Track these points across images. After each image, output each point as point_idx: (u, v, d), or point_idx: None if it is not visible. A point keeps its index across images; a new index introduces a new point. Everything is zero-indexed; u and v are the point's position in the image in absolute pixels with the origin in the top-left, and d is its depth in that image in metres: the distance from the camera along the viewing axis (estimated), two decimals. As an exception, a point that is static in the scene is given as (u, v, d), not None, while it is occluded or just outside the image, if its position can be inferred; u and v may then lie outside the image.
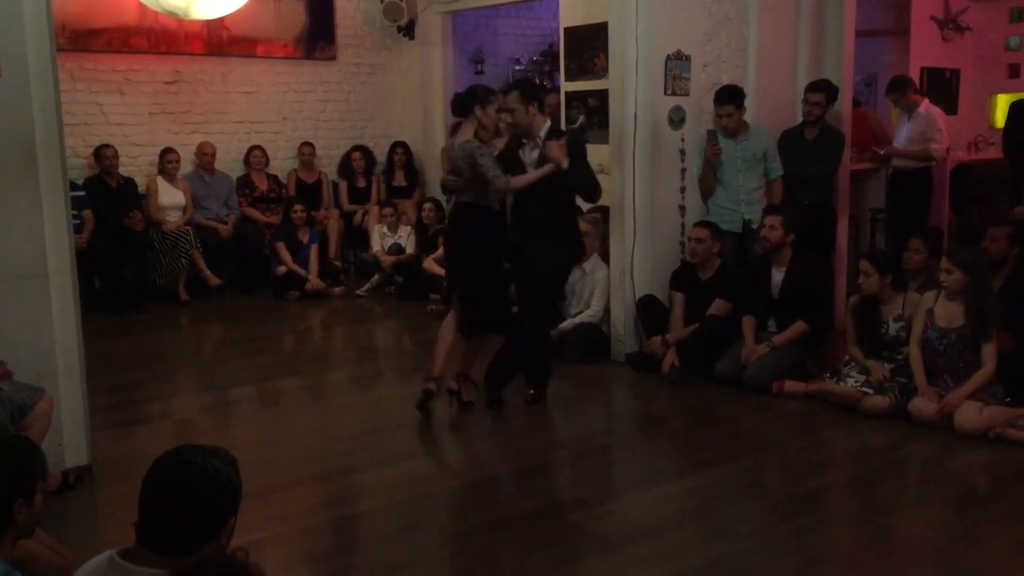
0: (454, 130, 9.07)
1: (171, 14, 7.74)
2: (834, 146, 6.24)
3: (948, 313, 4.82)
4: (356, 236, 9.03)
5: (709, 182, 6.03)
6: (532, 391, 5.21)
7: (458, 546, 3.68)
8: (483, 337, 5.13)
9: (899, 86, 7.61)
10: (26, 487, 2.36)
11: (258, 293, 8.31)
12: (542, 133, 4.92)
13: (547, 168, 4.79)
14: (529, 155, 4.95)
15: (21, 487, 2.34)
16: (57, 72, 4.01)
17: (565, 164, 4.77)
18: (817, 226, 6.03)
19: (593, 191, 5.11)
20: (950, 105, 9.11)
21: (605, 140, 6.25)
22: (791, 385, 5.32)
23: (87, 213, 7.57)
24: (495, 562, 3.48)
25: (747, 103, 6.09)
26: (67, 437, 4.10)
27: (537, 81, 10.20)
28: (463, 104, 4.91)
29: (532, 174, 4.83)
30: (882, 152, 7.79)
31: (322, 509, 3.99)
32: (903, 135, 7.68)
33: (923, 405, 4.75)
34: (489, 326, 5.08)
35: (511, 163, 4.94)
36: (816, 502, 3.99)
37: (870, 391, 4.95)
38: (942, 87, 9.25)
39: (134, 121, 8.31)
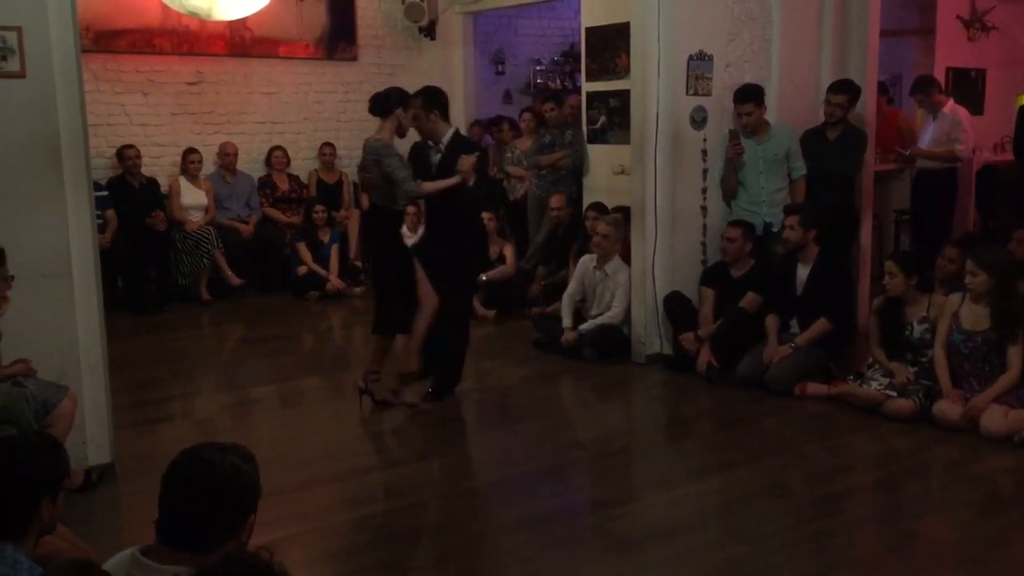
0: (470, 132, 9.19)
1: (194, 15, 7.80)
2: (856, 146, 6.19)
3: (973, 316, 4.77)
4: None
5: (731, 183, 5.99)
6: (431, 389, 5.23)
7: (477, 546, 3.67)
8: (392, 335, 5.23)
9: (924, 86, 7.55)
10: (54, 484, 2.38)
11: (279, 293, 8.34)
12: (445, 139, 5.07)
13: (455, 180, 4.96)
14: (433, 158, 5.13)
15: (49, 484, 2.36)
16: (82, 73, 4.04)
17: (471, 182, 5.01)
18: (837, 226, 5.98)
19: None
20: (976, 105, 9.01)
21: (626, 141, 6.25)
22: (814, 387, 5.28)
23: (110, 213, 7.63)
24: (514, 562, 3.48)
25: (770, 103, 6.06)
26: (90, 435, 4.13)
27: (559, 82, 10.23)
28: (383, 104, 4.97)
29: (442, 183, 4.98)
30: (907, 153, 7.73)
31: (342, 508, 3.99)
32: (928, 136, 7.62)
33: (948, 408, 4.71)
34: (398, 324, 5.15)
35: (420, 165, 5.11)
36: (838, 505, 3.95)
37: (894, 394, 4.90)
38: (968, 87, 9.15)
39: (157, 122, 8.37)
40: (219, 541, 2.01)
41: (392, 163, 4.84)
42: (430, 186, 4.98)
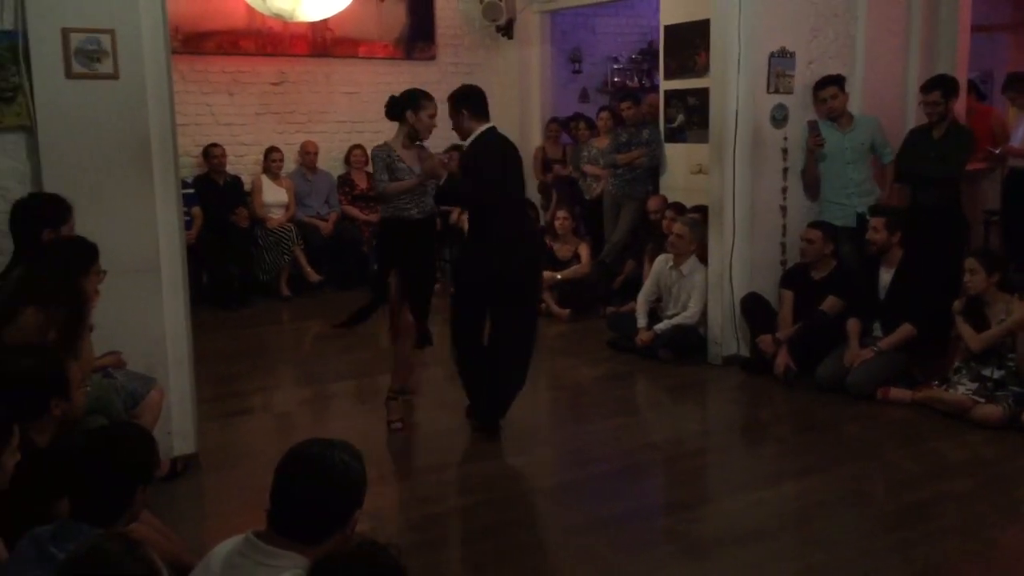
0: (548, 129, 9.20)
1: (277, 16, 7.95)
2: (961, 145, 5.88)
3: (1067, 321, 4.60)
4: (452, 234, 9.11)
5: (812, 173, 5.91)
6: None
7: (549, 546, 3.67)
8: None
9: (1017, 83, 7.32)
10: (149, 474, 2.47)
11: (357, 289, 8.46)
12: (471, 137, 4.69)
13: (414, 181, 4.65)
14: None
15: (145, 474, 2.45)
16: (171, 74, 4.15)
17: (438, 180, 4.64)
18: (941, 229, 5.75)
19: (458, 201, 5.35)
20: (1072, 103, 8.66)
21: (704, 139, 6.18)
22: (897, 392, 5.14)
23: (196, 210, 7.84)
24: (586, 563, 3.47)
25: (854, 100, 5.97)
26: (175, 426, 4.25)
27: (636, 80, 10.17)
28: (392, 108, 4.75)
29: (403, 184, 4.65)
30: (997, 151, 7.48)
31: (414, 504, 4.04)
32: (1020, 134, 7.36)
33: (1038, 416, 4.55)
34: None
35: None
36: (921, 513, 3.85)
37: (982, 400, 4.76)
38: (1063, 84, 8.80)
39: (241, 121, 8.57)
40: (327, 533, 2.11)
41: (375, 166, 4.75)
42: (392, 187, 4.67)
